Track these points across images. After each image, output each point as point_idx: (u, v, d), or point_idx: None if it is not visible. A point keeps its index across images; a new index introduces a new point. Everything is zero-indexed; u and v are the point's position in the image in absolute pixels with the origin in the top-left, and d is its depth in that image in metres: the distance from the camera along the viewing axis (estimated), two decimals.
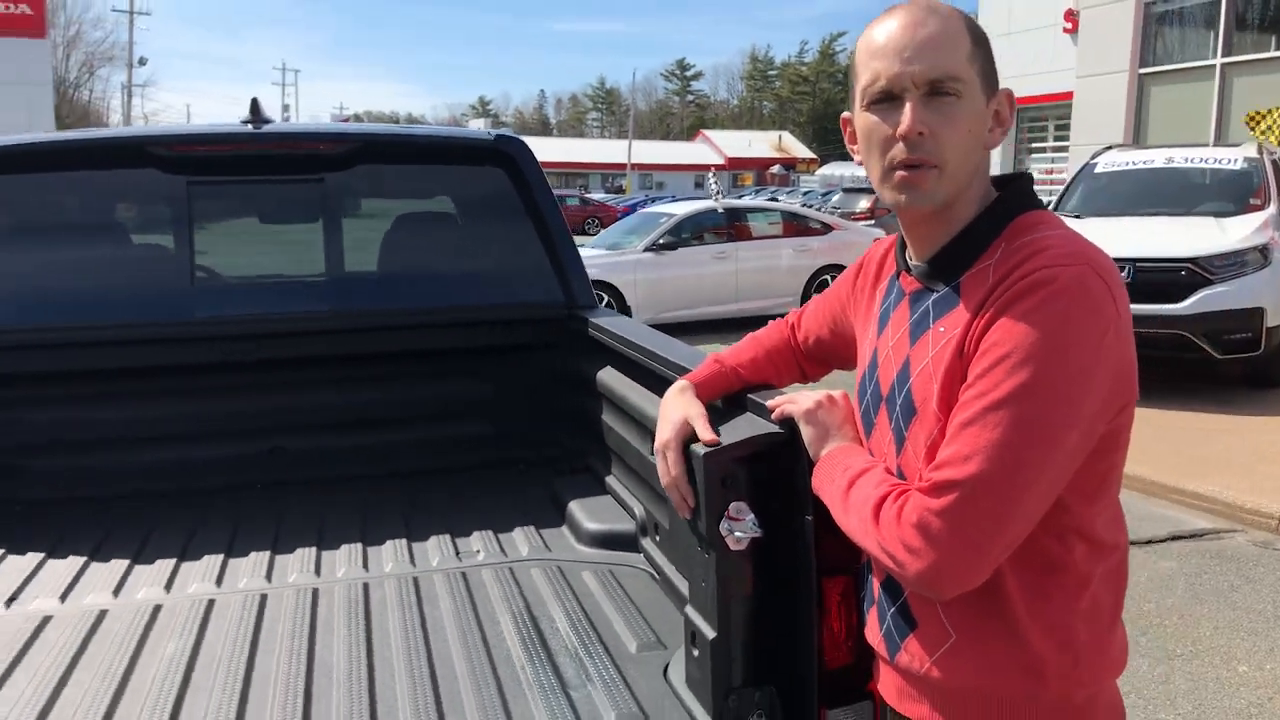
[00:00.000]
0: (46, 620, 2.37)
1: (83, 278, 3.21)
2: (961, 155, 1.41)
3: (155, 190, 3.28)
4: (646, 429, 2.63)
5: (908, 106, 1.38)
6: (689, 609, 1.91)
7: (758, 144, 78.55)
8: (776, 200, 20.88)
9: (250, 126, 3.39)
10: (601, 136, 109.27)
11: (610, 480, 3.04)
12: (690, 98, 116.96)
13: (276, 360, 3.33)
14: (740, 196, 35.07)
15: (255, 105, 3.43)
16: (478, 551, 2.76)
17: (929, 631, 1.44)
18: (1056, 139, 23.73)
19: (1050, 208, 10.10)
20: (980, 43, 1.44)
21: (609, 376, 3.01)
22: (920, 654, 1.45)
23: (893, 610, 1.50)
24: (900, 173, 1.41)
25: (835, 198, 20.63)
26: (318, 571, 2.65)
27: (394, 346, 3.42)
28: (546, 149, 70.68)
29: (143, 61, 59.35)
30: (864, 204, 19.66)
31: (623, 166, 67.28)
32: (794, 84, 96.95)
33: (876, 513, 1.37)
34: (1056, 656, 1.37)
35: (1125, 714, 1.49)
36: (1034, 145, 24.74)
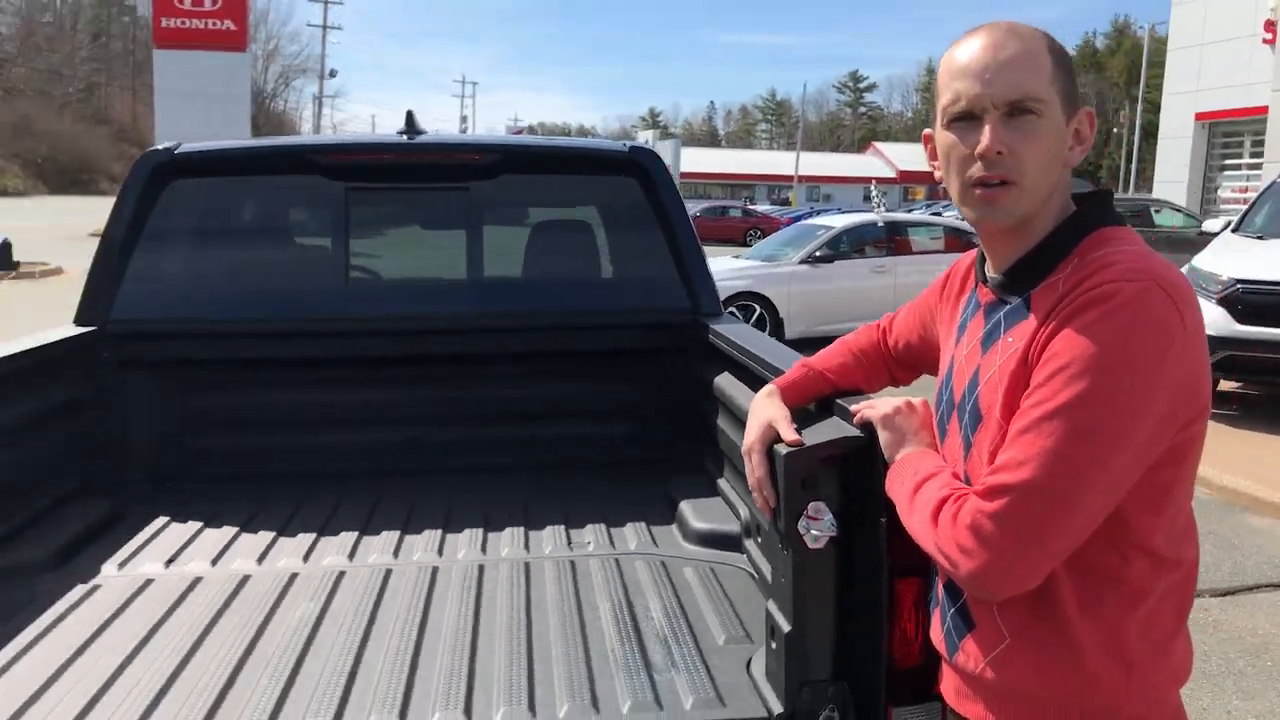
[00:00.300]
0: (197, 581, 2.63)
1: (253, 275, 3.52)
2: (1039, 173, 1.45)
3: (318, 195, 3.57)
4: None
5: (987, 126, 1.43)
6: (769, 603, 1.99)
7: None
8: (942, 215, 20.40)
9: (405, 137, 3.64)
10: (770, 148, 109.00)
11: (721, 482, 3.13)
12: (862, 110, 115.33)
13: (419, 356, 3.56)
14: (910, 210, 34.39)
15: (410, 117, 3.68)
16: (588, 543, 2.90)
17: (985, 633, 1.48)
18: (1252, 155, 22.38)
19: (1231, 227, 9.62)
20: (1061, 64, 1.48)
21: (725, 382, 3.10)
22: (976, 654, 1.49)
23: (953, 611, 1.55)
24: (979, 190, 1.46)
25: None
26: (440, 552, 2.84)
27: (526, 347, 3.61)
28: (714, 160, 71.05)
29: (333, 74, 62.71)
30: None
31: (790, 178, 66.92)
32: None
33: (936, 514, 1.43)
34: (1107, 666, 1.39)
35: None
36: (1227, 162, 23.40)
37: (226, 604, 2.47)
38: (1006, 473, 1.33)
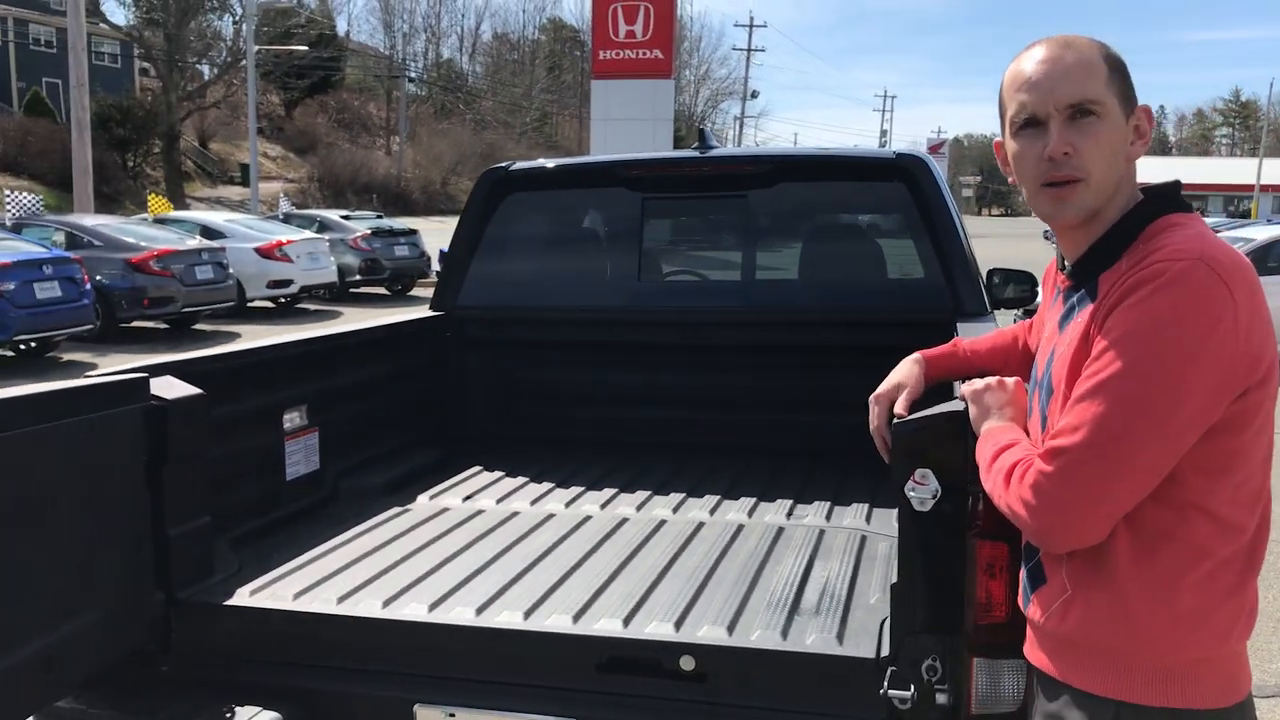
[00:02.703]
0: (479, 512, 3.27)
1: (566, 273, 4.17)
2: (1104, 168, 1.61)
3: (621, 204, 4.14)
4: None
5: (1052, 129, 1.62)
6: (893, 562, 2.22)
7: None
8: None
9: (698, 152, 4.12)
10: (1231, 154, 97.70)
11: None
12: None
13: (699, 346, 4.02)
14: None
15: (701, 134, 4.15)
16: (805, 516, 3.19)
17: (1053, 586, 1.63)
18: None
19: None
20: (1116, 67, 1.63)
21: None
22: (1042, 605, 1.66)
23: (1029, 567, 1.72)
24: (1050, 189, 1.65)
25: None
26: (674, 511, 3.27)
27: (795, 341, 3.94)
28: (1160, 169, 64.81)
29: (755, 95, 65.21)
30: None
31: (1251, 188, 59.74)
32: None
33: (1008, 477, 1.62)
34: (1152, 616, 1.50)
35: (1248, 688, 1.55)
36: None
37: (490, 530, 3.08)
38: (1063, 437, 1.48)
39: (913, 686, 2.08)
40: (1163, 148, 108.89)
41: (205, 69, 47.76)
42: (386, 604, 2.50)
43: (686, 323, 4.01)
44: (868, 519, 3.15)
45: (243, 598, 2.55)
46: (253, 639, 2.50)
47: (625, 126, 28.13)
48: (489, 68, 74.15)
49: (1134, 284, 1.47)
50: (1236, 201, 61.63)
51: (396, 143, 56.59)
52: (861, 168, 3.98)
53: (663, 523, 3.14)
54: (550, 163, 4.32)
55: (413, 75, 64.51)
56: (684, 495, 3.42)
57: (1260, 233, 12.52)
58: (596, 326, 4.09)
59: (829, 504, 3.29)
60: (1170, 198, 1.62)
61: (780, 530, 3.04)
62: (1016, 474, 1.57)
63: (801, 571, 2.68)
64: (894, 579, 2.60)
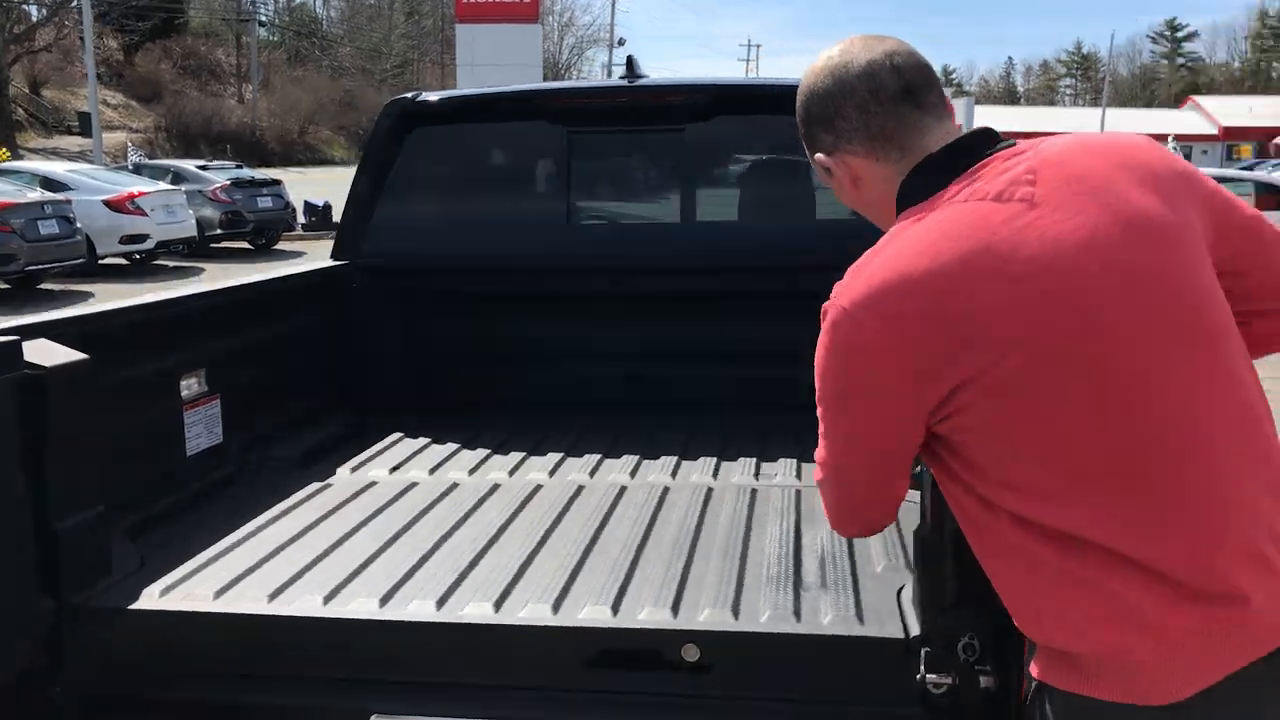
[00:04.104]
0: (412, 485, 2.91)
1: (483, 216, 3.79)
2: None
3: (544, 140, 3.77)
4: None
5: None
6: (916, 531, 1.97)
7: (1261, 110, 69.08)
8: (1271, 174, 18.44)
9: (625, 81, 3.78)
10: (1074, 104, 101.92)
11: None
12: (1180, 61, 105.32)
13: (633, 296, 3.71)
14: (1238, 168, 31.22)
15: (631, 62, 3.81)
16: (775, 475, 2.94)
17: None
18: None
19: None
20: (800, 121, 1.63)
21: None
22: None
23: None
24: None
25: None
26: (632, 475, 2.97)
27: (739, 289, 3.66)
28: (1011, 119, 67.08)
29: (621, 42, 64.43)
30: None
31: None
32: None
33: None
34: (1010, 604, 1.45)
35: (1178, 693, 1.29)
36: None
37: (431, 505, 2.72)
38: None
39: (953, 670, 1.85)
40: (1012, 98, 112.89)
41: (33, 9, 44.46)
42: (328, 599, 2.14)
43: (620, 270, 3.69)
44: None
45: (151, 600, 2.15)
46: (167, 649, 2.11)
47: (492, 73, 27.42)
48: (345, 12, 71.23)
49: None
50: None
51: (249, 91, 53.83)
52: None
53: (623, 489, 2.84)
54: (463, 93, 3.91)
55: (264, 19, 61.42)
56: (638, 458, 3.12)
57: None
58: (520, 275, 3.73)
59: (795, 461, 3.05)
60: (911, 191, 1.50)
61: (754, 492, 2.79)
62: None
63: (792, 539, 2.43)
64: (895, 543, 2.39)
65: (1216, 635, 1.28)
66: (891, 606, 2.06)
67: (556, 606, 2.09)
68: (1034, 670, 1.42)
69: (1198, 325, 1.33)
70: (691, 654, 1.96)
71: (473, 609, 2.08)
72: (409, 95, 3.81)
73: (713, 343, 3.73)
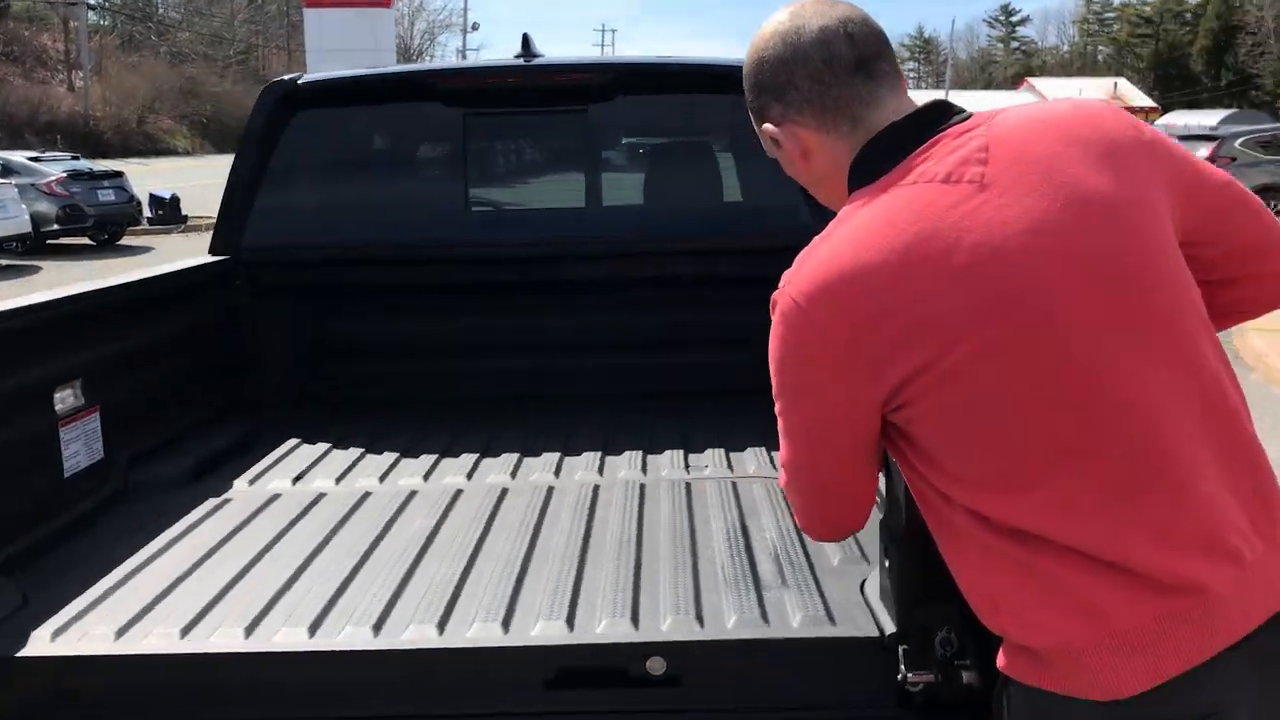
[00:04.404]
0: (321, 497, 2.69)
1: (375, 203, 3.56)
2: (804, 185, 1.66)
3: (438, 122, 3.57)
4: None
5: None
6: (883, 520, 1.89)
7: (1090, 92, 72.74)
8: None
9: (522, 60, 3.60)
10: (917, 87, 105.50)
11: None
12: (1015, 44, 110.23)
13: (538, 284, 3.55)
14: None
15: (526, 40, 3.64)
16: (705, 467, 2.84)
17: None
18: None
19: None
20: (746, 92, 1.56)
21: None
22: None
23: None
24: None
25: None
26: (556, 474, 2.82)
27: (648, 274, 3.54)
28: None
29: (475, 27, 63.50)
30: (1204, 151, 17.76)
31: None
32: (1133, 26, 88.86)
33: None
34: (967, 594, 1.38)
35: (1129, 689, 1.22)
36: None
37: (346, 518, 2.52)
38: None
39: (932, 666, 1.78)
40: None
41: None
42: (250, 631, 1.93)
43: (522, 257, 3.52)
44: (774, 465, 2.84)
45: (41, 644, 1.90)
46: (64, 700, 1.86)
47: (344, 59, 26.53)
48: None
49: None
50: None
51: (79, 78, 50.86)
52: (714, 77, 3.60)
53: (551, 490, 2.69)
54: (351, 74, 3.67)
55: (92, 2, 58.05)
56: (559, 454, 2.97)
57: None
58: (417, 266, 3.53)
59: (722, 450, 2.95)
60: (861, 169, 1.42)
61: (688, 486, 2.68)
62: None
63: (740, 534, 2.33)
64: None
65: (1173, 627, 1.22)
66: (858, 602, 1.98)
67: (506, 624, 1.93)
68: (999, 662, 1.37)
69: (1152, 309, 1.27)
70: (658, 667, 1.83)
71: (414, 632, 1.91)
72: (291, 77, 3.54)
73: (623, 332, 3.60)
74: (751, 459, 2.89)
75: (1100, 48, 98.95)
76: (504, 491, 2.68)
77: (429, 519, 2.49)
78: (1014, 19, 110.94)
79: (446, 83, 3.54)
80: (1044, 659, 1.28)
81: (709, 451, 2.95)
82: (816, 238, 1.37)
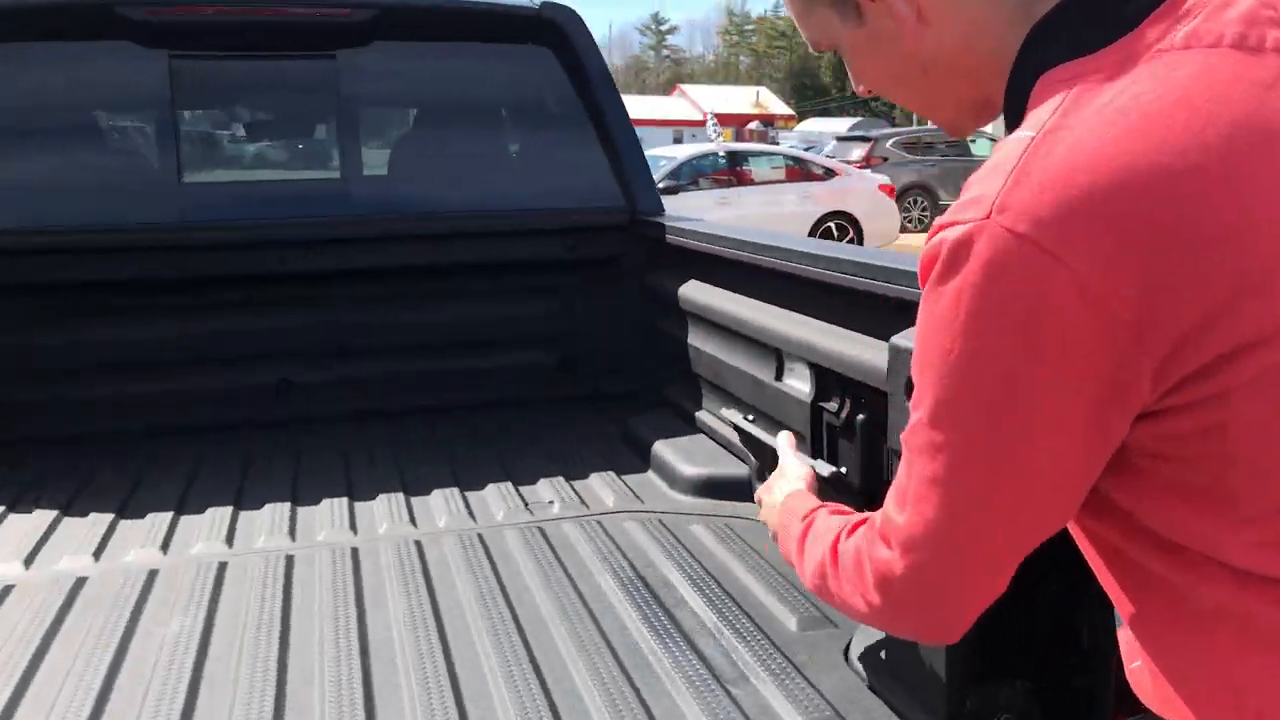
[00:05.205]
0: (7, 590, 1.81)
1: (55, 177, 2.62)
2: (890, 81, 1.01)
3: (135, 68, 2.68)
4: (766, 348, 2.09)
5: None
6: None
7: (735, 100, 77.55)
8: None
9: None
10: None
11: (703, 416, 2.50)
12: (666, 53, 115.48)
13: (280, 276, 2.75)
14: None
15: None
16: (551, 502, 2.21)
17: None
18: None
19: None
20: None
21: (697, 292, 2.47)
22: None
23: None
24: None
25: (829, 147, 20.09)
26: (353, 527, 2.09)
27: (423, 260, 2.85)
28: None
29: None
30: (859, 152, 19.10)
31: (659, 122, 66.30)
32: (771, 38, 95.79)
33: (835, 558, 1.09)
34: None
35: None
36: None
37: (57, 623, 1.67)
38: (903, 512, 0.90)
39: None
40: None
41: None
42: None
43: (260, 242, 2.71)
44: (635, 495, 2.26)
45: None
46: None
47: None
48: None
49: (922, 260, 0.82)
50: None
51: None
52: (494, 21, 2.94)
53: (355, 552, 1.96)
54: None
55: None
56: (343, 500, 2.23)
57: (680, 150, 13.38)
58: (116, 256, 2.63)
59: (561, 479, 2.33)
60: (1045, 34, 0.85)
61: (542, 532, 2.04)
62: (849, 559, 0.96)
63: (650, 601, 1.73)
64: (774, 583, 1.77)
65: None
66: (857, 684, 1.45)
67: None
68: None
69: None
70: None
71: None
72: None
73: (384, 332, 2.88)
74: (603, 487, 2.30)
75: (742, 57, 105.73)
76: (289, 560, 1.92)
77: (190, 613, 1.70)
78: (664, 27, 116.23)
79: (142, 14, 2.65)
80: None
81: (543, 481, 2.33)
82: (1014, 137, 0.80)
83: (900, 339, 1.34)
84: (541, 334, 3.00)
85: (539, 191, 2.95)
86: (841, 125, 34.26)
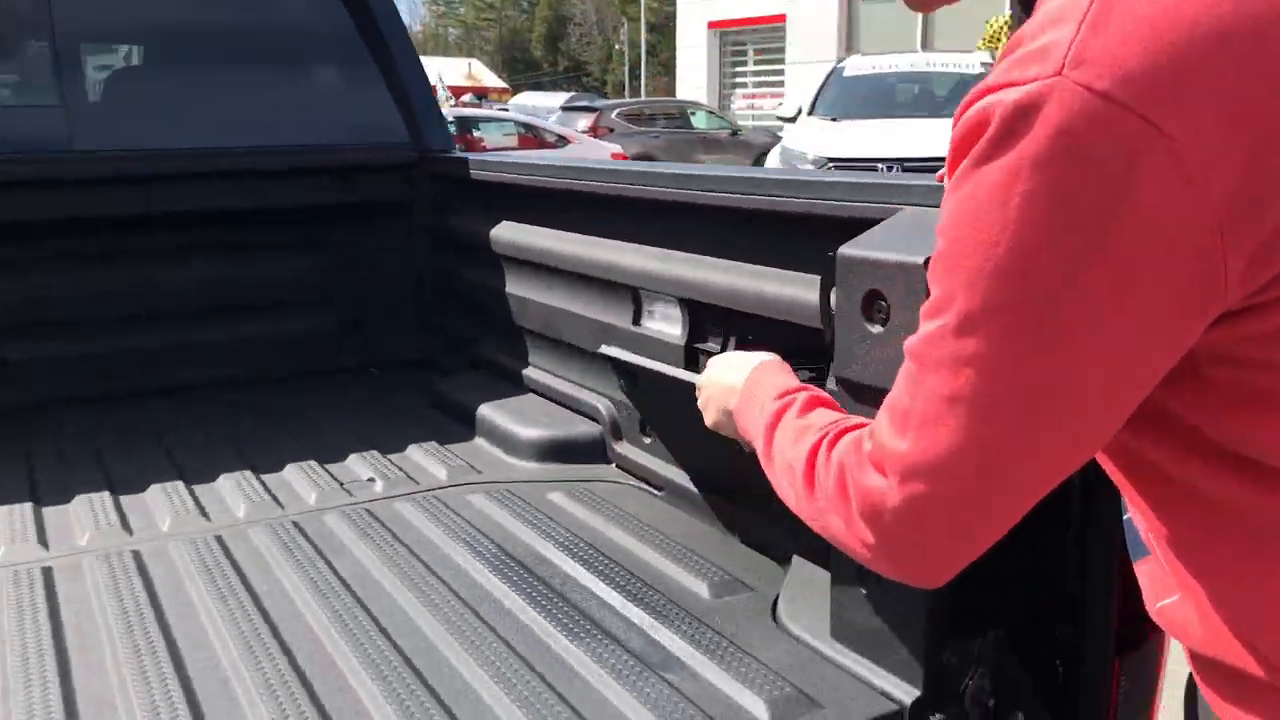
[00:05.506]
0: None
1: None
2: None
3: None
4: (617, 287, 1.86)
5: None
6: None
7: (448, 73, 76.29)
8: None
9: None
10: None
11: (531, 373, 2.22)
12: None
13: None
14: None
15: None
16: (371, 479, 1.88)
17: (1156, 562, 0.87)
18: (757, 63, 24.11)
19: (805, 111, 10.02)
20: None
21: (515, 233, 2.20)
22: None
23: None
24: None
25: (554, 117, 20.05)
26: (126, 527, 1.68)
27: (166, 205, 2.39)
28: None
29: None
30: (584, 123, 19.17)
31: None
32: (479, 10, 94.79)
33: (811, 469, 0.95)
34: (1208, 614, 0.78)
35: None
36: (736, 69, 25.06)
37: None
38: (907, 437, 0.78)
39: None
40: None
41: None
42: None
43: None
44: (469, 464, 1.96)
45: None
46: None
47: None
48: None
49: (957, 136, 0.69)
50: None
51: None
52: None
53: (138, 555, 1.55)
54: None
55: None
56: (104, 495, 1.80)
57: None
58: None
59: (371, 451, 2.00)
60: None
61: (371, 513, 1.71)
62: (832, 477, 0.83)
63: (535, 583, 1.46)
64: (666, 546, 1.55)
65: None
66: (808, 654, 1.26)
67: None
68: (1208, 697, 0.80)
69: None
70: None
71: None
72: None
73: (140, 294, 2.41)
74: (427, 458, 1.99)
75: (451, 30, 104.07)
76: (47, 572, 1.50)
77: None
78: None
79: None
80: None
81: (352, 456, 1.99)
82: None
83: (851, 249, 1.14)
84: (319, 294, 2.61)
85: (307, 126, 2.56)
86: (556, 99, 34.39)
